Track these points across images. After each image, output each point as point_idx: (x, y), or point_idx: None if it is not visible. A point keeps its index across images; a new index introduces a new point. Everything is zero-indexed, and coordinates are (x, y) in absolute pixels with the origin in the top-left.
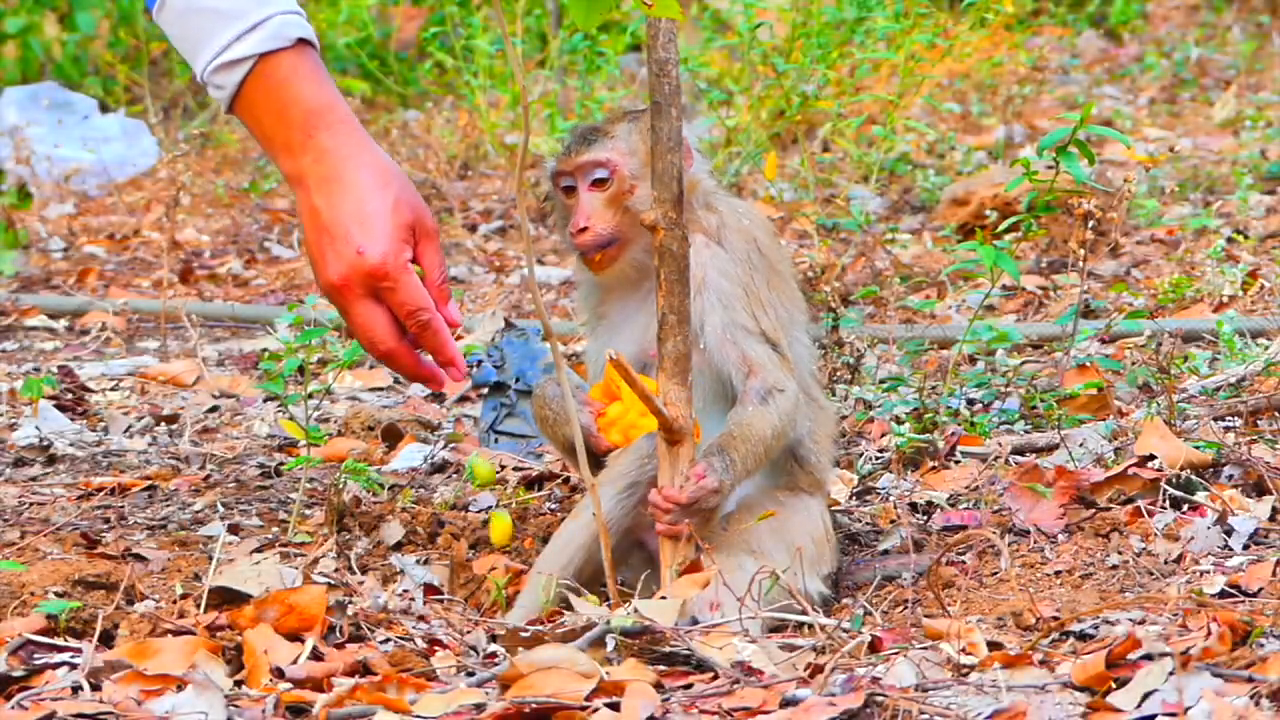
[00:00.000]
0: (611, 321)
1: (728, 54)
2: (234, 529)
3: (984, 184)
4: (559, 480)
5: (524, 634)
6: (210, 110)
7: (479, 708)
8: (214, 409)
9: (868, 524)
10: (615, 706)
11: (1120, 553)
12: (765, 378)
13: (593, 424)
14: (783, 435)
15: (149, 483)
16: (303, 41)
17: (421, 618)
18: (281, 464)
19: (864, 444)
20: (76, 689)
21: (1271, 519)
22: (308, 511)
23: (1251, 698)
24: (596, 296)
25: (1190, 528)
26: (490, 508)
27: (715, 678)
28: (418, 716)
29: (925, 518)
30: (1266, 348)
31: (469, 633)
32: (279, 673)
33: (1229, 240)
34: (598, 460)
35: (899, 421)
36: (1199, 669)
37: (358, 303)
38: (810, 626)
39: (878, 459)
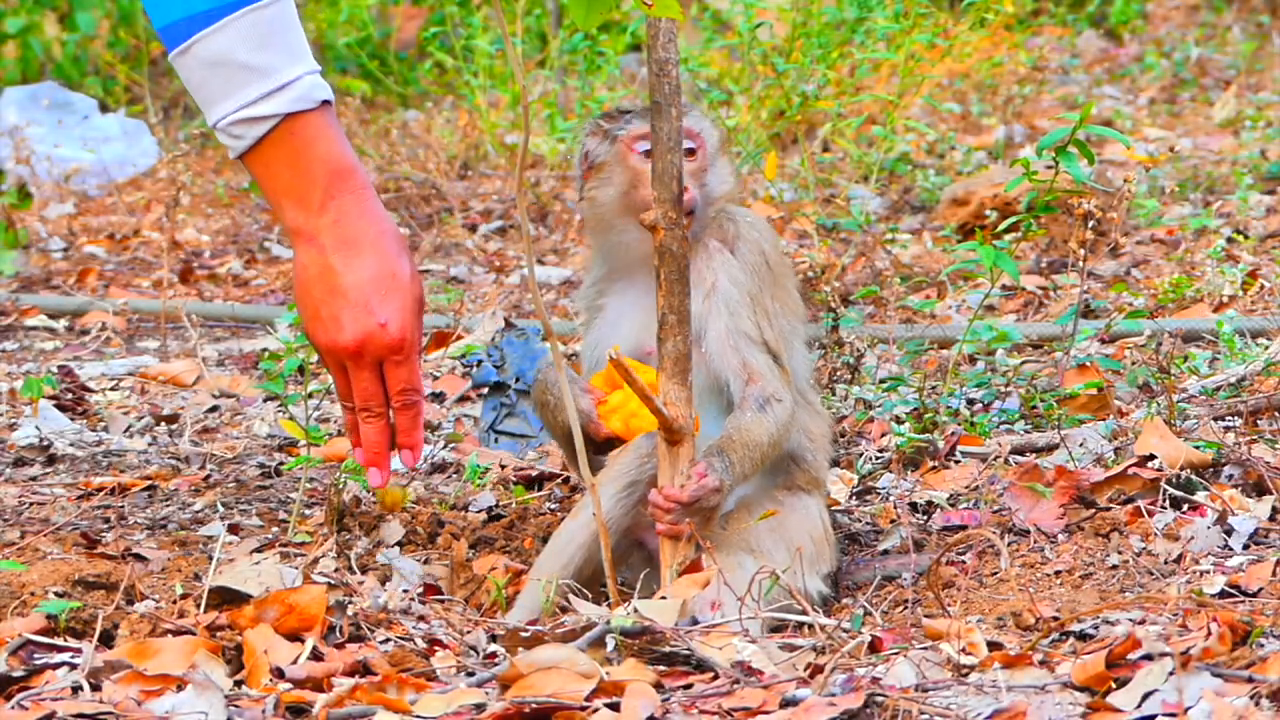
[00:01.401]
0: (608, 317)
1: (728, 54)
2: (234, 529)
3: (984, 184)
4: (559, 480)
5: (524, 634)
6: None
7: (479, 708)
8: (214, 409)
9: (868, 524)
10: (615, 706)
11: (1120, 553)
12: (764, 386)
13: (593, 410)
14: (778, 444)
15: (149, 483)
16: (326, 102)
17: (421, 618)
18: (281, 464)
19: (864, 444)
20: (76, 689)
21: (1271, 519)
22: (308, 511)
23: (1251, 698)
24: (597, 289)
25: (1190, 528)
26: (490, 507)
27: (715, 678)
28: (418, 716)
29: (925, 518)
30: (1266, 348)
31: (469, 633)
32: (279, 673)
33: (1229, 240)
34: (598, 459)
35: (899, 421)
36: (1199, 669)
37: (365, 369)
38: (810, 626)
39: (878, 459)
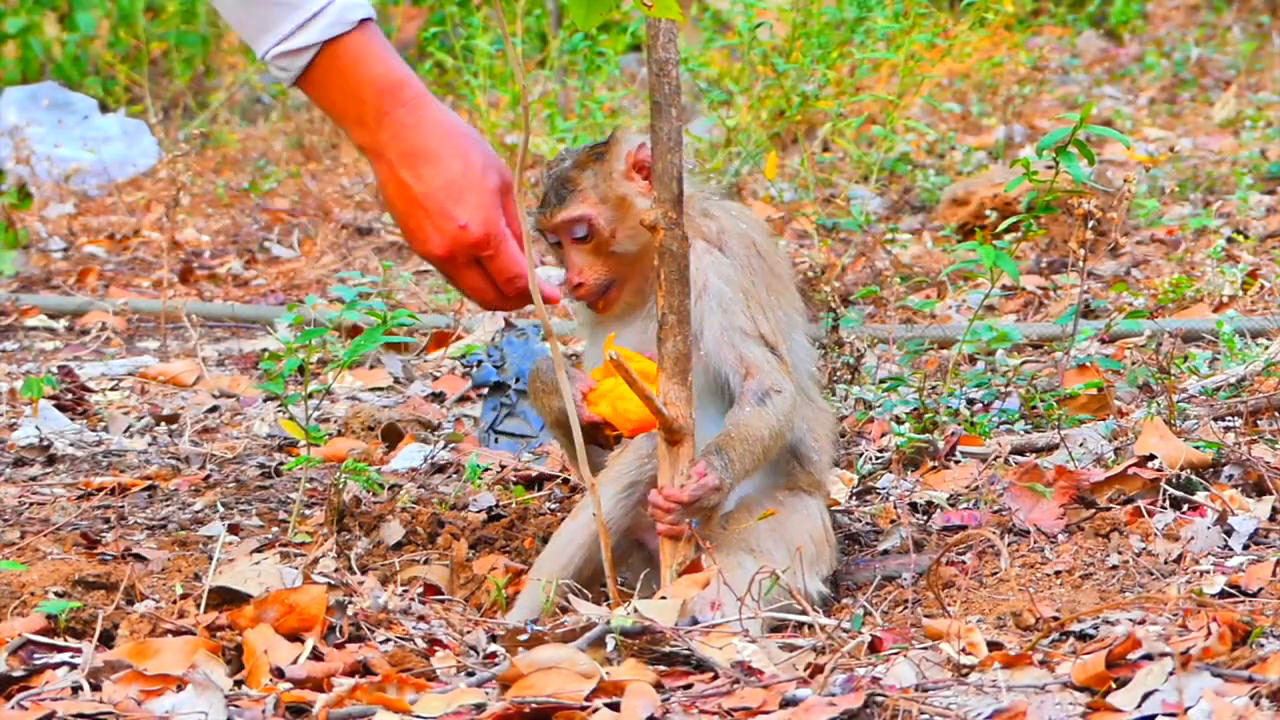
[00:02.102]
0: (610, 327)
1: (728, 54)
2: (234, 529)
3: (984, 184)
4: (559, 480)
5: (524, 634)
6: (210, 110)
7: (479, 708)
8: (214, 409)
9: (868, 524)
10: (615, 706)
11: (1120, 553)
12: (763, 379)
13: (579, 394)
14: (780, 436)
15: (149, 483)
16: (365, 20)
17: (421, 618)
18: (281, 464)
19: (864, 444)
20: (76, 689)
21: (1271, 519)
22: (308, 511)
23: (1251, 698)
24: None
25: (1190, 528)
26: (490, 507)
27: (715, 678)
28: (418, 716)
29: (925, 518)
30: (1266, 348)
31: (469, 633)
32: (279, 673)
33: (1229, 240)
34: (599, 461)
35: (899, 421)
36: (1199, 669)
37: (463, 270)
38: (810, 626)
39: (878, 459)
